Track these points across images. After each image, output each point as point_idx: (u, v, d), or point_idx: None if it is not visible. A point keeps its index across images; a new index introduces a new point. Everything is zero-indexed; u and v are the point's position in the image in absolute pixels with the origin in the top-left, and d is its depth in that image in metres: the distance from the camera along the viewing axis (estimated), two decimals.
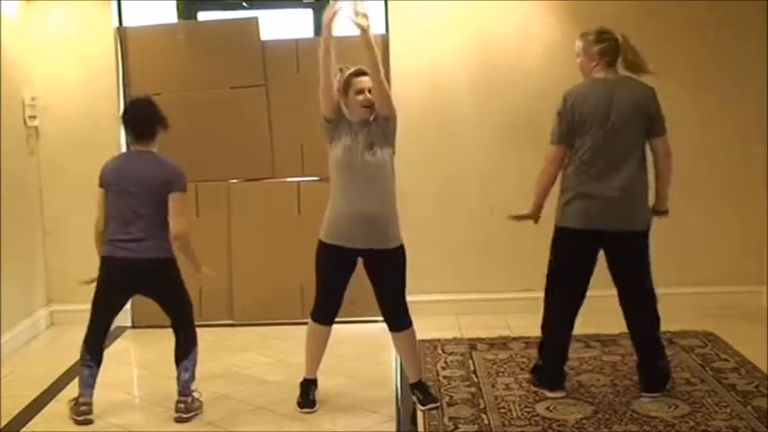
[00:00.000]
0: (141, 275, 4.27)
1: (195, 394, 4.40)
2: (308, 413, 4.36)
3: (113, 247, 4.25)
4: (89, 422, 4.26)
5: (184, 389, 4.35)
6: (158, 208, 4.24)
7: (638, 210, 4.29)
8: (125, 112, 4.42)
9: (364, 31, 4.06)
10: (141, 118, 4.34)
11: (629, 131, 4.19)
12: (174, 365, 4.40)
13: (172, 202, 4.25)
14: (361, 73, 4.23)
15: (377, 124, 4.23)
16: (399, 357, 4.57)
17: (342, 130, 4.26)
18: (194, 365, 4.39)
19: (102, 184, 4.33)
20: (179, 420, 4.29)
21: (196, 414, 4.34)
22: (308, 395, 4.44)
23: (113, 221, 4.27)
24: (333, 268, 4.33)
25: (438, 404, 4.34)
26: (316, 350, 4.45)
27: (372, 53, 4.07)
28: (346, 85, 4.23)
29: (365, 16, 4.06)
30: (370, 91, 4.21)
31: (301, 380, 4.49)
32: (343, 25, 4.13)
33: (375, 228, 4.23)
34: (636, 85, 4.28)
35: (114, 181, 4.28)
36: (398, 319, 4.35)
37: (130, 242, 4.22)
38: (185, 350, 4.38)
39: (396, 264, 4.32)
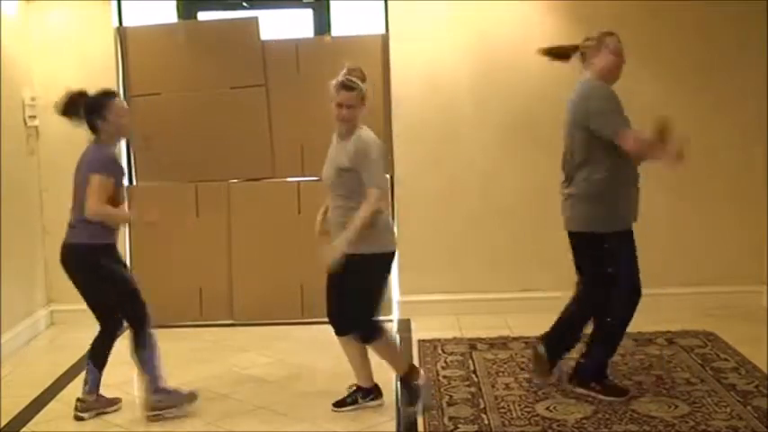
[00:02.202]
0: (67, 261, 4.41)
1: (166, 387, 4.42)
2: (337, 411, 4.34)
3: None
4: (81, 418, 4.34)
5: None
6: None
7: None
8: (81, 105, 4.35)
9: None
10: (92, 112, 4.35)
11: None
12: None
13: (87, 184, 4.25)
14: (344, 87, 4.17)
15: (355, 153, 4.16)
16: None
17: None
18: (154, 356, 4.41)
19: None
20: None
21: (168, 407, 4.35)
22: (346, 397, 4.41)
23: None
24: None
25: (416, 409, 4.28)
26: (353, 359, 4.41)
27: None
28: (334, 90, 4.20)
29: None
30: (348, 107, 4.17)
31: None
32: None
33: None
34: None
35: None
36: (341, 323, 4.31)
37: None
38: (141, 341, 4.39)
39: (349, 269, 4.14)
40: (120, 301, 4.35)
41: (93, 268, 4.30)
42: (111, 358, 5.38)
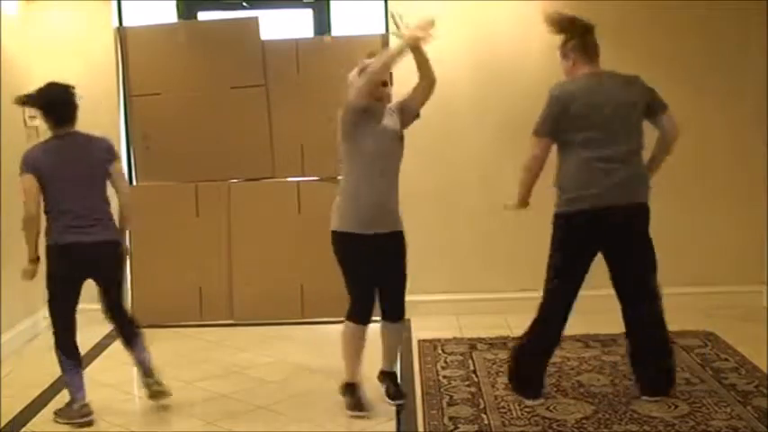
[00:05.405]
0: (100, 258, 4.25)
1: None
2: (361, 416, 4.27)
3: (73, 233, 4.19)
4: (92, 422, 4.25)
5: (150, 369, 4.39)
6: (104, 185, 4.29)
7: None
8: (47, 96, 4.27)
9: (415, 48, 4.20)
10: (66, 101, 4.27)
11: None
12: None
13: (117, 173, 4.30)
14: None
15: (402, 118, 4.32)
16: (384, 346, 4.48)
17: (369, 121, 4.24)
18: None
19: (34, 170, 4.21)
20: (157, 396, 4.34)
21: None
22: (355, 396, 4.31)
23: (68, 210, 4.20)
24: (364, 258, 4.25)
25: (403, 401, 4.37)
26: (354, 351, 4.32)
27: (424, 60, 4.30)
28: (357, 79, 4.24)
29: (414, 36, 4.18)
30: (384, 84, 4.27)
31: (344, 384, 4.39)
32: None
33: (393, 212, 4.34)
34: None
35: (57, 168, 4.20)
36: (399, 307, 4.38)
37: (91, 226, 4.20)
38: (134, 331, 4.40)
39: (404, 247, 4.39)
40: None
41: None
42: (112, 359, 5.40)
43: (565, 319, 4.36)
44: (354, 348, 4.30)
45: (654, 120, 4.32)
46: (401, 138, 4.31)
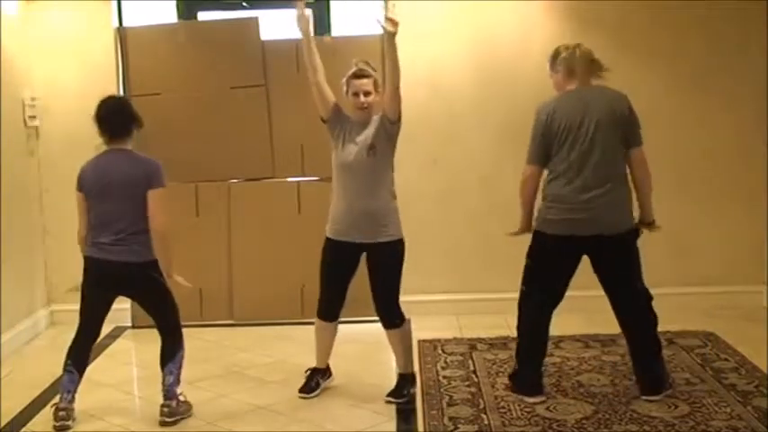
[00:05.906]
0: (124, 278, 4.22)
1: (181, 397, 4.34)
2: (304, 398, 4.50)
3: (96, 248, 4.20)
4: (67, 428, 4.20)
5: (168, 393, 4.28)
6: (139, 207, 4.18)
7: None
8: (98, 110, 4.27)
9: (391, 36, 4.19)
10: (116, 115, 4.26)
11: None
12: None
13: (151, 199, 4.20)
14: (359, 75, 4.33)
15: (382, 126, 4.30)
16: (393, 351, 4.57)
17: (344, 129, 4.34)
18: (179, 369, 4.32)
19: (80, 188, 4.27)
20: (163, 424, 4.23)
21: (182, 418, 4.29)
22: (309, 381, 4.58)
23: (97, 224, 4.21)
24: (335, 263, 4.44)
25: (400, 401, 4.40)
26: (322, 343, 4.59)
27: (394, 58, 4.20)
28: (346, 86, 4.30)
29: (394, 22, 4.17)
30: (366, 94, 4.30)
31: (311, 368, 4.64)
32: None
33: (373, 222, 4.31)
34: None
35: (94, 184, 4.22)
36: (390, 314, 4.41)
37: (112, 245, 4.17)
38: (171, 353, 4.32)
39: (392, 256, 4.37)
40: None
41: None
42: (112, 359, 5.41)
43: (542, 322, 4.41)
44: (319, 340, 4.60)
45: (626, 150, 4.25)
46: (371, 147, 4.28)
